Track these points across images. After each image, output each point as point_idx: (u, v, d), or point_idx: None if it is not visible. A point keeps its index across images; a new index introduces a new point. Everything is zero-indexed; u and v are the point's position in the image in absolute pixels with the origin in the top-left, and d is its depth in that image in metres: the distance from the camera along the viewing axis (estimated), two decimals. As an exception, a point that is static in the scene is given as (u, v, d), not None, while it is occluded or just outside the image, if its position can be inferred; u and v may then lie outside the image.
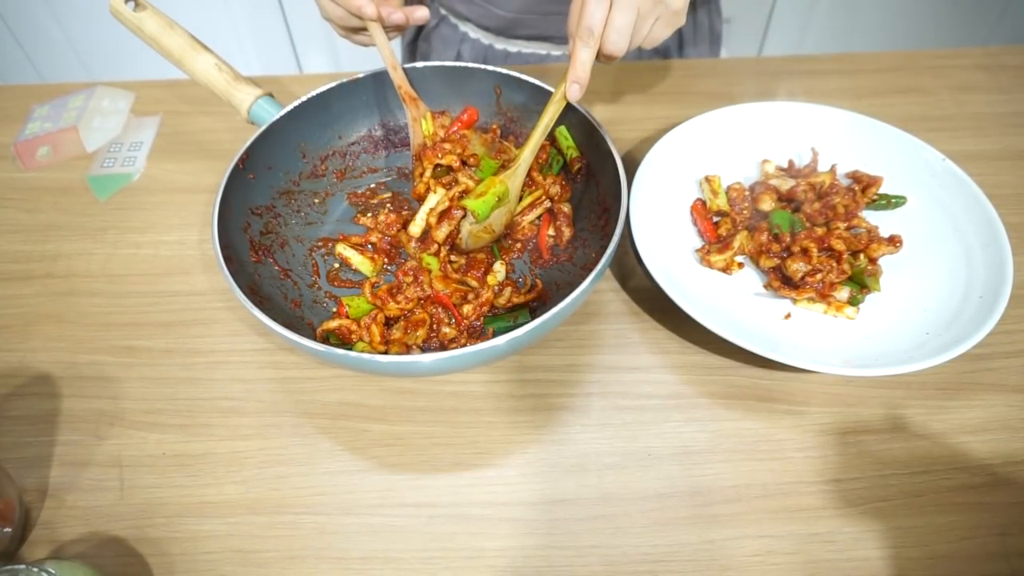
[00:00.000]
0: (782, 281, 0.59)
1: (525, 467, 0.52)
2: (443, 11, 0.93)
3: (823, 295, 0.58)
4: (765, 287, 0.61)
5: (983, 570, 0.47)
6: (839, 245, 0.58)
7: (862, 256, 0.59)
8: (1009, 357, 0.57)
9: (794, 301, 0.59)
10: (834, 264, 0.57)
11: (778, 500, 0.50)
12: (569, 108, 0.63)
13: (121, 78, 0.85)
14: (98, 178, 0.74)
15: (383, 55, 0.62)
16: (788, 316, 0.58)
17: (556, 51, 0.90)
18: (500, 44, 0.91)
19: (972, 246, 0.60)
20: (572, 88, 0.55)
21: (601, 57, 0.53)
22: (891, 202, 0.65)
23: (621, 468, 0.52)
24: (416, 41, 1.01)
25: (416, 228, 0.60)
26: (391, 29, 0.63)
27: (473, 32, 0.92)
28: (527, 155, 0.59)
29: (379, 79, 0.67)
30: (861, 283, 0.58)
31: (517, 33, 0.89)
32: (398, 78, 0.63)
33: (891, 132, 0.68)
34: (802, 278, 0.57)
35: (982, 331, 0.51)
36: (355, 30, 0.64)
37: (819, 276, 0.57)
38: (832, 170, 0.67)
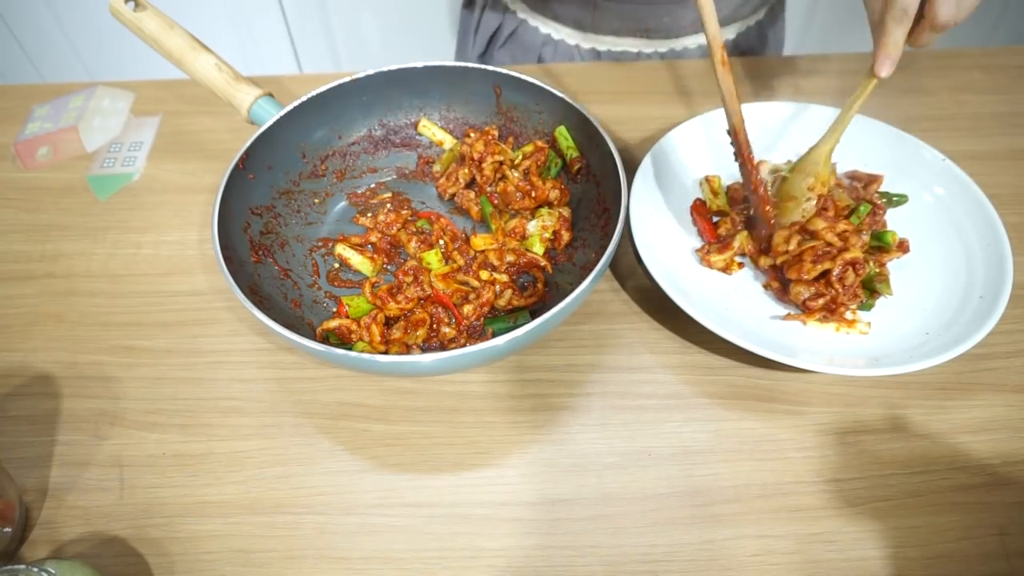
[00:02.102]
0: (781, 283, 0.59)
1: (525, 467, 0.52)
2: (521, 15, 0.91)
3: (832, 312, 0.57)
4: (764, 287, 0.61)
5: (983, 570, 0.47)
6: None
7: (870, 262, 0.59)
8: (1009, 357, 0.57)
9: (803, 323, 0.58)
10: (839, 290, 0.56)
11: (778, 500, 0.50)
12: (569, 108, 0.63)
13: (121, 78, 0.85)
14: (98, 178, 0.74)
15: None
16: (788, 316, 0.58)
17: (648, 48, 0.88)
18: (588, 43, 0.88)
19: (972, 246, 0.60)
20: (884, 64, 0.54)
21: (937, 28, 0.52)
22: (892, 200, 0.65)
23: (621, 468, 0.52)
24: (487, 52, 0.97)
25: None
26: None
27: (557, 33, 0.89)
28: (832, 143, 0.59)
29: (379, 79, 0.67)
30: (871, 288, 0.58)
31: (607, 28, 0.86)
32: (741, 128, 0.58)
33: (891, 132, 0.68)
34: (804, 303, 0.57)
35: (982, 331, 0.51)
36: None
37: (823, 300, 0.56)
38: (832, 170, 0.67)
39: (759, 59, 0.88)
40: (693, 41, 0.89)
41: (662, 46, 0.89)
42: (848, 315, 0.57)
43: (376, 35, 1.70)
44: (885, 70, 0.54)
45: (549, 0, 0.86)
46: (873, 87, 0.56)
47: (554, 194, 0.64)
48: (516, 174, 0.64)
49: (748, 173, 0.59)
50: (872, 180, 0.65)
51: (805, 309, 0.57)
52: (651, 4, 0.83)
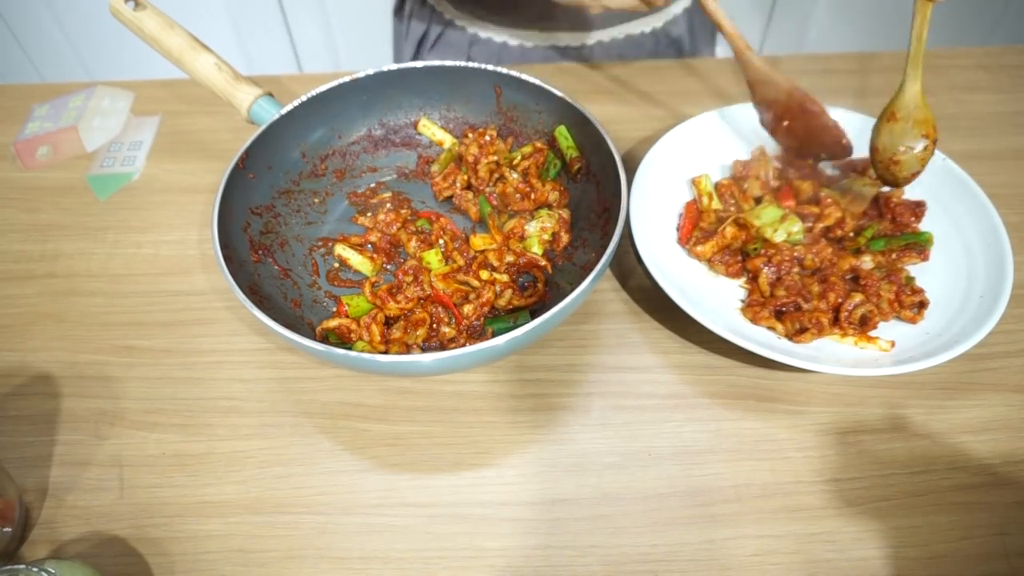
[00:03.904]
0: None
1: (525, 467, 0.52)
2: (448, 16, 0.91)
3: (860, 330, 0.56)
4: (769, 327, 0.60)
5: (983, 570, 0.47)
6: (886, 290, 0.56)
7: (905, 272, 0.59)
8: (1009, 357, 0.57)
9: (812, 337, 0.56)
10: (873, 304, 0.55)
11: (778, 500, 0.50)
12: (569, 108, 0.63)
13: (121, 78, 0.85)
14: (98, 178, 0.74)
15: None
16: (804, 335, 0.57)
17: (575, 41, 0.88)
18: (515, 40, 0.88)
19: (972, 246, 0.60)
20: None
21: None
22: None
23: (621, 468, 0.52)
24: (417, 57, 0.98)
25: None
26: None
27: (484, 32, 0.89)
28: (919, 80, 0.58)
29: (379, 79, 0.67)
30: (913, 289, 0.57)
31: (533, 23, 0.86)
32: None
33: (891, 132, 0.67)
34: (799, 331, 0.55)
35: (982, 331, 0.51)
36: None
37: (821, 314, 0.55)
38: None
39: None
40: (621, 31, 0.89)
41: (589, 38, 0.88)
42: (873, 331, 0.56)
43: (376, 35, 1.70)
44: None
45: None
46: (931, 11, 0.55)
47: (553, 196, 0.64)
48: (515, 175, 0.64)
49: (819, 115, 0.61)
50: (867, 165, 0.65)
51: (818, 327, 0.55)
52: None
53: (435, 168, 0.69)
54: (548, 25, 0.87)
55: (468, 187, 0.67)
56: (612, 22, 0.87)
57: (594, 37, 0.89)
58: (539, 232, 0.62)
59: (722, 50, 1.00)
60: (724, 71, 0.86)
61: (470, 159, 0.65)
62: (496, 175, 0.65)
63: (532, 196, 0.63)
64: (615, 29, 0.88)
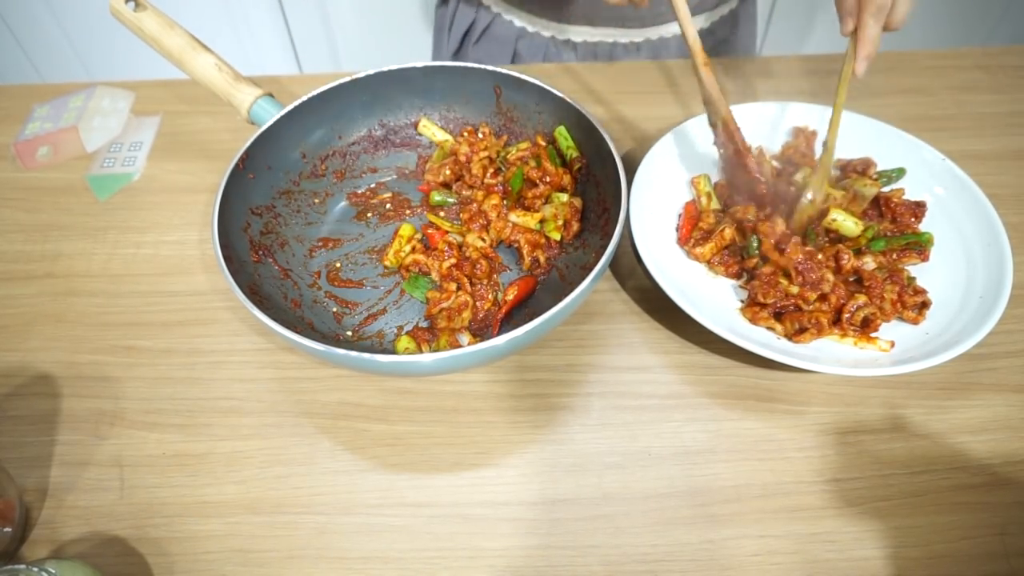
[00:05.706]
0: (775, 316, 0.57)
1: (525, 467, 0.52)
2: (495, 9, 0.90)
3: (862, 332, 0.55)
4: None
5: (983, 570, 0.47)
6: (890, 294, 0.55)
7: (905, 272, 0.58)
8: (1009, 357, 0.57)
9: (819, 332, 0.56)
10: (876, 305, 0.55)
11: (778, 500, 0.50)
12: (569, 108, 0.63)
13: (121, 78, 0.85)
14: (98, 178, 0.74)
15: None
16: (804, 335, 0.57)
17: (624, 38, 0.87)
18: (563, 35, 0.87)
19: (972, 246, 0.60)
20: (862, 64, 0.57)
21: (891, 27, 0.56)
22: (892, 177, 0.65)
23: (621, 468, 0.52)
24: (461, 49, 0.96)
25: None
26: None
27: (532, 26, 0.88)
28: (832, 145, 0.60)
29: (379, 79, 0.67)
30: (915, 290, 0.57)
31: (583, 18, 0.85)
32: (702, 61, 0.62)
33: (891, 132, 0.68)
34: (801, 329, 0.55)
35: (982, 331, 0.51)
36: None
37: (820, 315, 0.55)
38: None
39: (758, 60, 0.88)
40: (669, 30, 0.88)
41: (638, 35, 0.88)
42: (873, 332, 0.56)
43: (376, 35, 1.70)
44: (862, 69, 0.57)
45: None
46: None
47: (566, 179, 0.64)
48: (532, 162, 0.64)
49: (743, 155, 0.61)
50: (867, 165, 0.65)
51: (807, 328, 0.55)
52: None
53: (427, 166, 0.69)
54: (599, 20, 0.86)
55: (458, 179, 0.67)
56: (662, 20, 0.87)
57: (643, 35, 0.88)
58: (552, 217, 0.62)
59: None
60: (724, 71, 0.86)
61: (462, 159, 0.65)
62: (490, 170, 0.65)
63: (547, 179, 0.63)
64: (664, 28, 0.87)
